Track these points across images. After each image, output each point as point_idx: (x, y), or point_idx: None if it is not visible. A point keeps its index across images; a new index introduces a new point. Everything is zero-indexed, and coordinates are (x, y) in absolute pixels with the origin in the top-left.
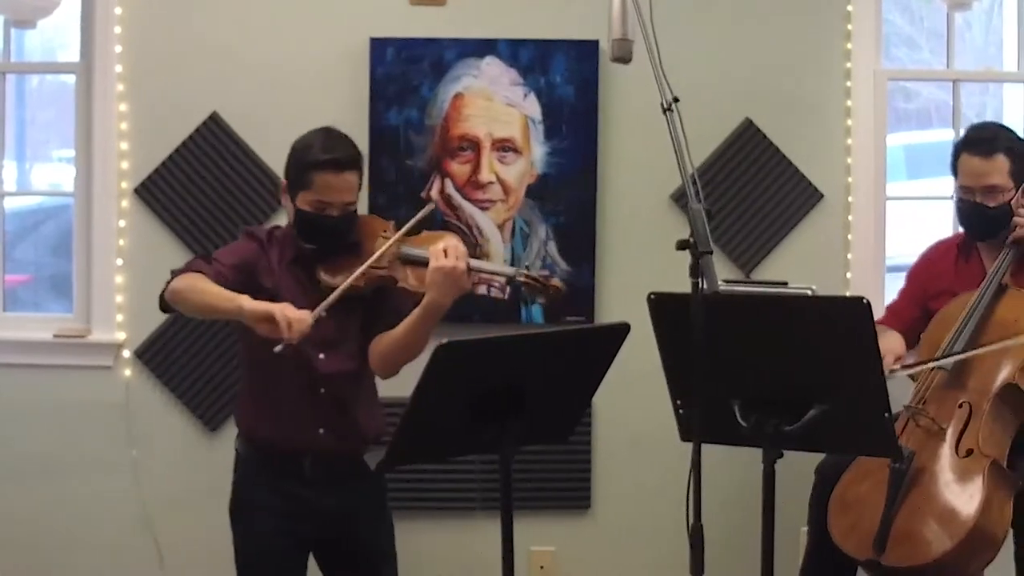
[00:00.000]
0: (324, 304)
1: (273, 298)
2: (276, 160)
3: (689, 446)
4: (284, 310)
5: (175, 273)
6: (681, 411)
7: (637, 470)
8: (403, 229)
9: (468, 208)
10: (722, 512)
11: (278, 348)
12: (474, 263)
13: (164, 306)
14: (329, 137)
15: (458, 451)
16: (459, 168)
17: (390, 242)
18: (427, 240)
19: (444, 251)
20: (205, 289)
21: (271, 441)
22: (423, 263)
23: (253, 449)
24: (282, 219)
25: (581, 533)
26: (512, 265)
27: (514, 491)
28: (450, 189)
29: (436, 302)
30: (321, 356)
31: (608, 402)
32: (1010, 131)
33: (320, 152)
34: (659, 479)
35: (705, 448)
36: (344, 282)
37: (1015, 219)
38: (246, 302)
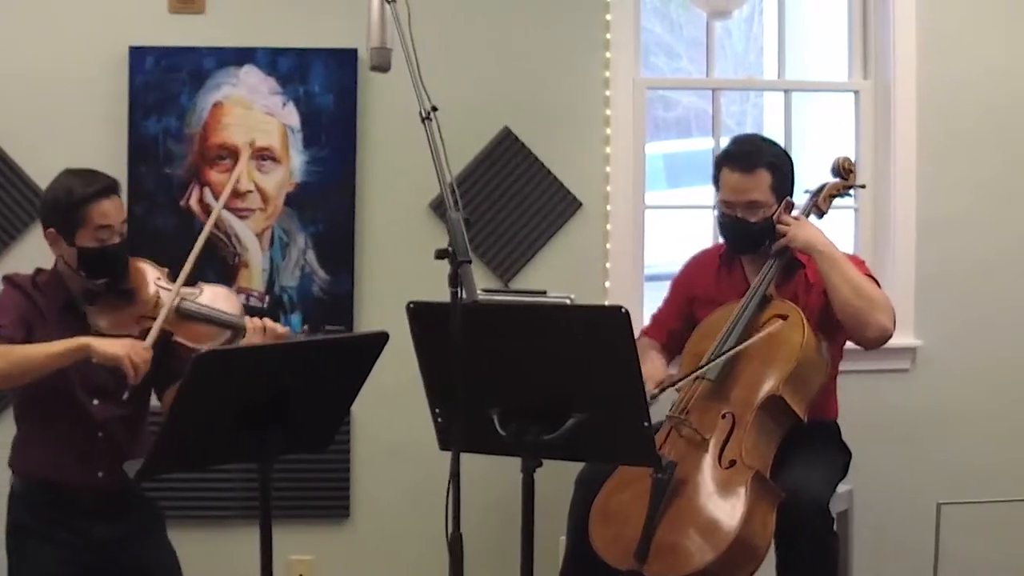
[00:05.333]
0: (148, 342)
1: None
2: (37, 170)
3: (449, 455)
4: (130, 355)
5: None
6: (440, 420)
7: (396, 479)
8: (181, 279)
9: (227, 217)
10: (482, 521)
11: (125, 396)
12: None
13: None
14: (81, 172)
15: (218, 460)
16: (218, 177)
17: (175, 292)
18: (210, 295)
19: (262, 328)
20: (22, 354)
21: (49, 481)
22: (202, 320)
23: (30, 488)
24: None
25: (340, 542)
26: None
27: (273, 499)
28: (209, 198)
29: None
30: (95, 402)
31: (367, 411)
32: (772, 144)
33: (84, 187)
34: (419, 488)
35: (466, 457)
36: (158, 322)
37: (779, 227)
38: (95, 342)
